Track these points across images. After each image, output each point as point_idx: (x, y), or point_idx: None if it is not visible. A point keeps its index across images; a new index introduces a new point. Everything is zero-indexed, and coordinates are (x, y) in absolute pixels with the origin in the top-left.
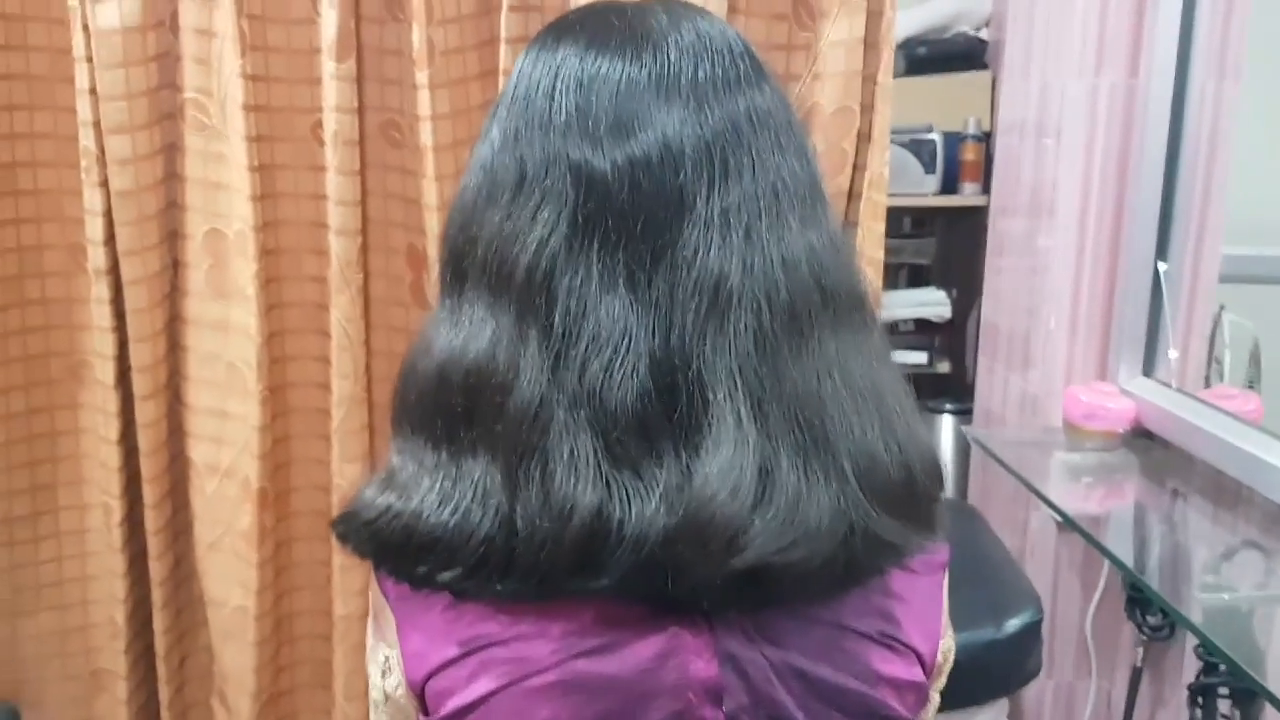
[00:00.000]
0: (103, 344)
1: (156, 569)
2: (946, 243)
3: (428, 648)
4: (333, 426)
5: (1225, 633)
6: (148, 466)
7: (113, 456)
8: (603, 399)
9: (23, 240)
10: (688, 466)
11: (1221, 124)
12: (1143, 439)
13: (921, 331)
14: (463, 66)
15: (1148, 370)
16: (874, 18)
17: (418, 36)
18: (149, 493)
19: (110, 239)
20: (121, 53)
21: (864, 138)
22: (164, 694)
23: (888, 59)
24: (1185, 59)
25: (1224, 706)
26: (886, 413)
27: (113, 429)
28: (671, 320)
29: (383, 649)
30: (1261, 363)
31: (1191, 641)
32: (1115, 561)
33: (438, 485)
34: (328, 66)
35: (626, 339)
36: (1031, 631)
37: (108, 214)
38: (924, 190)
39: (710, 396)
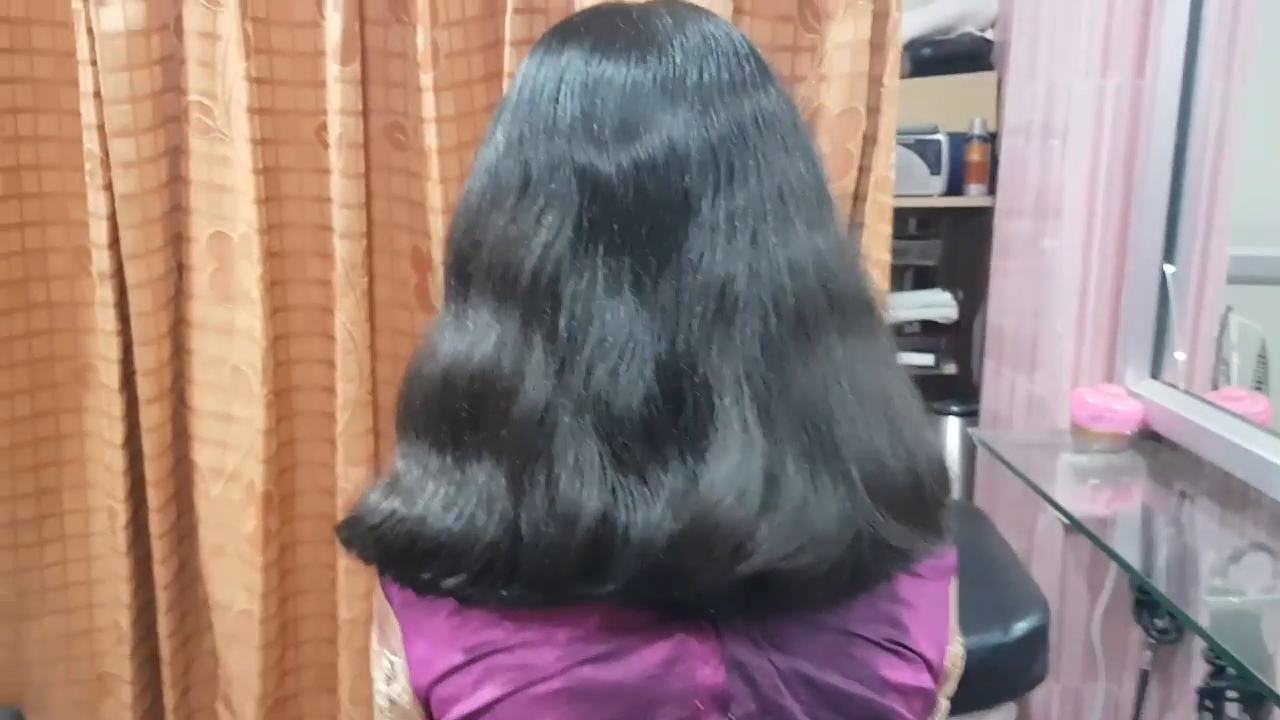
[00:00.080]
0: (107, 347)
1: (161, 573)
2: (952, 244)
3: (432, 654)
4: (338, 430)
5: (1233, 636)
6: (152, 470)
7: (117, 460)
8: (608, 404)
9: (27, 244)
10: (694, 472)
11: (1229, 125)
12: (1150, 441)
13: (927, 333)
14: (467, 69)
15: (1155, 372)
16: (880, 19)
17: (422, 39)
18: (154, 496)
19: (114, 242)
20: (126, 56)
21: (869, 139)
22: (169, 698)
23: (893, 61)
24: (1192, 59)
25: (1233, 710)
26: (894, 418)
27: (117, 433)
28: (677, 325)
29: (387, 655)
30: (1269, 364)
31: (1199, 645)
32: (1123, 564)
33: (442, 490)
34: (332, 69)
35: (632, 343)
36: (1038, 635)
37: (112, 217)
38: (929, 191)
39: (716, 401)
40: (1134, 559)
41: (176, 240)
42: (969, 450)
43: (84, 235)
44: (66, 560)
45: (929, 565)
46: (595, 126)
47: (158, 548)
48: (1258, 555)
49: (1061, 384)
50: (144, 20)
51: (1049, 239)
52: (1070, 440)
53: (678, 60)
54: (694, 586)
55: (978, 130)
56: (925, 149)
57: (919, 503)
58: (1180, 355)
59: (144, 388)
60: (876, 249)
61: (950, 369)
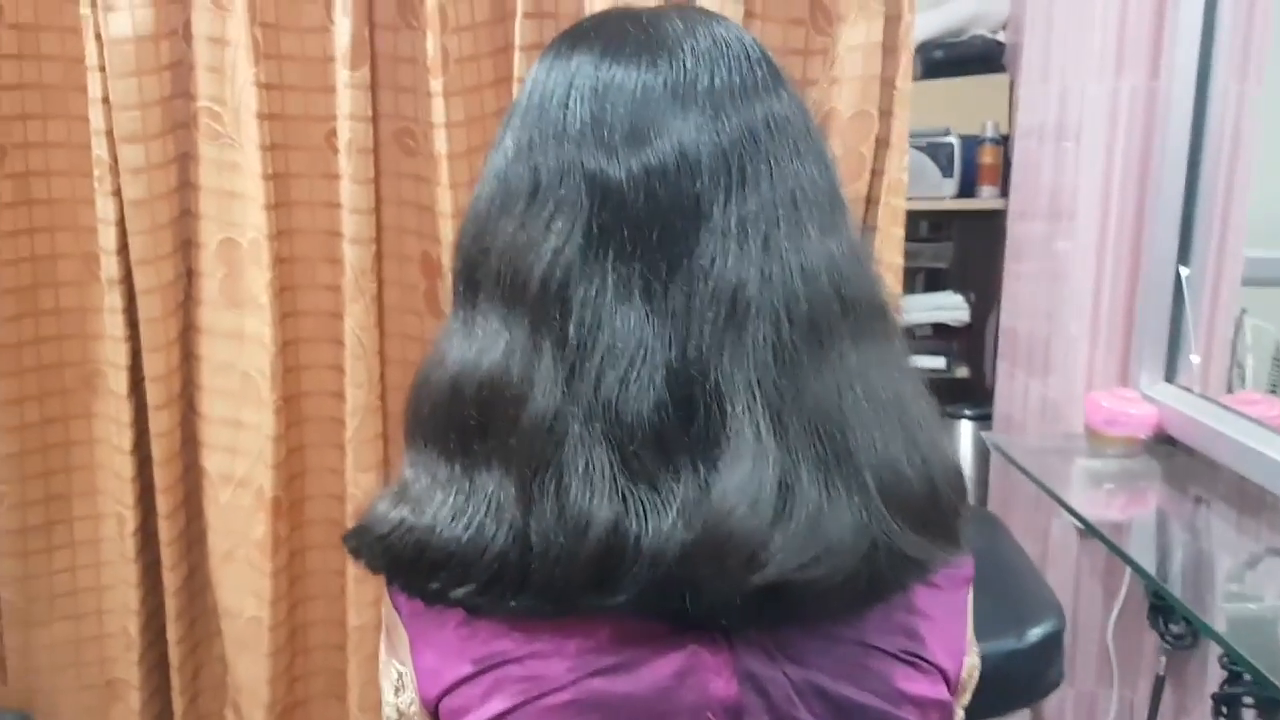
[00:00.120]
0: (116, 353)
1: (170, 579)
2: (964, 246)
3: (441, 665)
4: (347, 435)
5: (1250, 641)
6: (161, 476)
7: (126, 466)
8: (618, 411)
9: (37, 250)
10: (706, 480)
11: (1244, 126)
12: (1165, 445)
13: (939, 336)
14: (477, 74)
15: (1170, 375)
16: (892, 22)
17: (432, 44)
18: (163, 503)
19: (123, 248)
20: (134, 61)
21: (882, 142)
22: (178, 705)
23: (906, 63)
24: (1207, 60)
25: (1249, 717)
26: (909, 425)
27: (126, 439)
28: (688, 331)
29: (395, 665)
30: None
31: (1215, 651)
32: (1138, 569)
33: (451, 499)
34: (342, 74)
35: (642, 350)
36: (1053, 641)
37: (121, 223)
38: (941, 194)
39: (728, 409)
40: (1149, 564)
41: (185, 246)
42: (982, 454)
43: (93, 241)
44: (76, 566)
45: (945, 575)
46: (605, 132)
47: (167, 554)
48: (1274, 560)
49: (1075, 387)
50: (152, 25)
51: (1063, 241)
52: (1084, 444)
53: (688, 65)
54: (706, 597)
55: (990, 133)
56: (937, 151)
57: (935, 511)
58: (1195, 358)
59: (153, 394)
60: (889, 252)
61: (962, 372)
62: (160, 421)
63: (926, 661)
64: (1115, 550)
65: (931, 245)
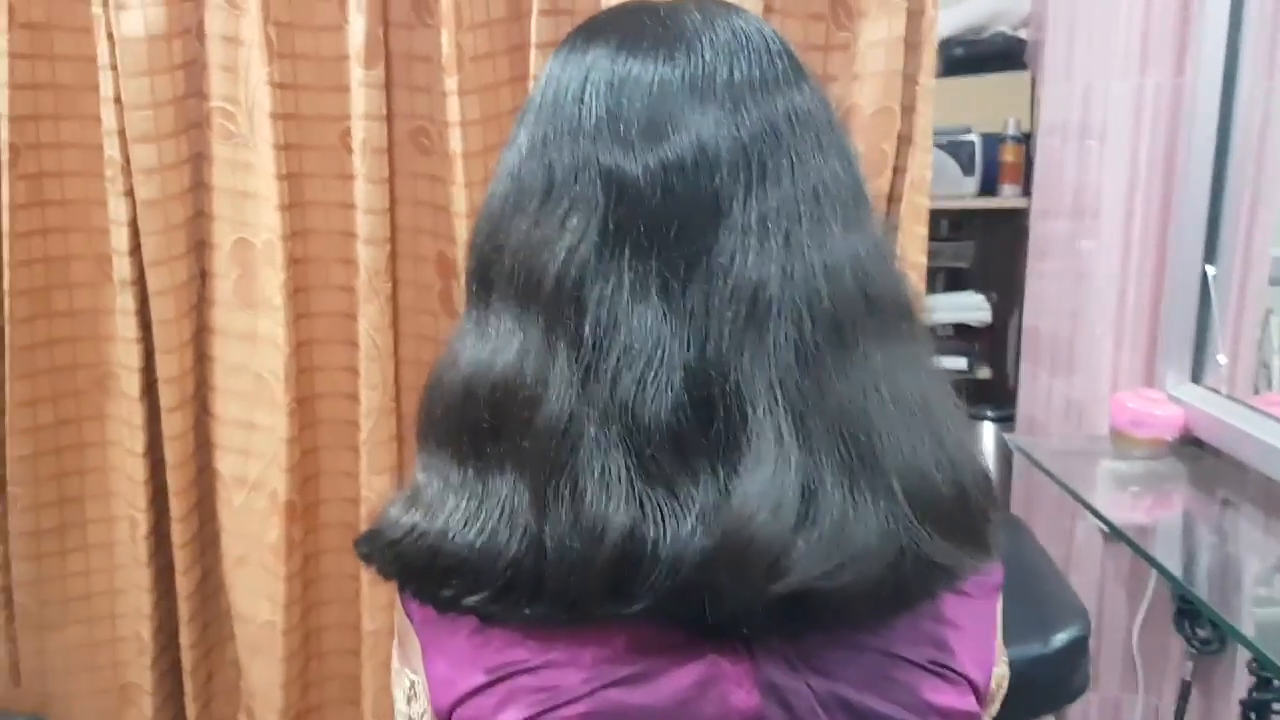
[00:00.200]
0: (128, 355)
1: (183, 583)
2: (985, 246)
3: (454, 674)
4: (361, 438)
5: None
6: (175, 479)
7: (139, 469)
8: (635, 413)
9: (50, 251)
10: (726, 485)
11: (1272, 122)
12: (1191, 447)
13: (961, 336)
14: (493, 72)
15: (1196, 376)
16: (914, 17)
17: (447, 42)
18: (176, 506)
19: (136, 249)
20: (146, 61)
21: (904, 139)
22: (191, 710)
23: (929, 59)
24: (1233, 57)
25: None
26: (936, 427)
27: (139, 441)
28: (707, 331)
29: (408, 674)
30: None
31: (1243, 655)
32: (1164, 572)
33: (464, 504)
34: (356, 73)
35: (660, 350)
36: (1078, 647)
37: (133, 224)
38: (962, 192)
39: (749, 411)
40: (1175, 567)
41: (199, 247)
42: (1005, 456)
43: (106, 242)
44: (89, 570)
45: (975, 582)
46: (621, 127)
47: (180, 557)
48: None
49: (1100, 388)
50: (165, 25)
51: (1087, 240)
52: (1109, 446)
53: (707, 57)
54: (726, 605)
55: (1011, 130)
56: (958, 150)
57: (964, 517)
58: (1222, 359)
59: (166, 395)
60: (912, 251)
61: (984, 373)
62: (173, 424)
63: (955, 672)
64: (1141, 553)
65: (952, 244)
